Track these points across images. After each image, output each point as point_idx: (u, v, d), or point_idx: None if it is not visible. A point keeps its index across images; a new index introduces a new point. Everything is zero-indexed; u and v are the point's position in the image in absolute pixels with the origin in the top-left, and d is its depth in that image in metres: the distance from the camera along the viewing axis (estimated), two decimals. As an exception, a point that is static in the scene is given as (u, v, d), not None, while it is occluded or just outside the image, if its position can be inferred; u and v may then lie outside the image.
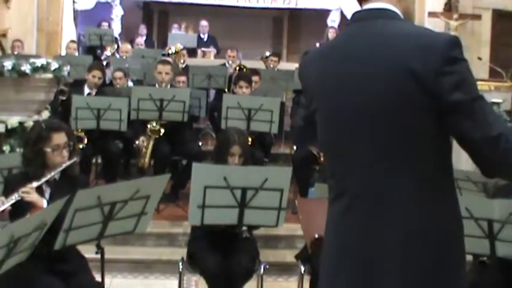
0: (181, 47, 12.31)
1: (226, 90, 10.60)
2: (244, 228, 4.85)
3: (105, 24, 15.43)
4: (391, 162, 2.36)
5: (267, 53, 13.04)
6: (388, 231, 2.35)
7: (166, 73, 8.54)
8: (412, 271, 2.35)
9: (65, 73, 7.69)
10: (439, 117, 2.30)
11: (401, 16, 2.49)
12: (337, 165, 2.53)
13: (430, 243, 2.36)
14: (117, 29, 16.30)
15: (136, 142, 8.17)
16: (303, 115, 2.52)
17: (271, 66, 12.27)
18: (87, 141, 7.96)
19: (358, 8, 2.55)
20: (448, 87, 2.25)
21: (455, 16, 12.58)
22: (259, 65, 12.49)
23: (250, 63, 12.45)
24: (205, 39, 15.65)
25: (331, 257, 2.53)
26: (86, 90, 8.74)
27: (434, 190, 2.38)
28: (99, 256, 4.46)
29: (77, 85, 9.41)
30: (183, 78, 9.39)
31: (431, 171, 2.37)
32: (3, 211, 4.24)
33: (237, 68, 11.64)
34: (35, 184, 4.37)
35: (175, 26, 17.48)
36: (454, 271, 2.42)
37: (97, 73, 8.75)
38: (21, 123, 7.15)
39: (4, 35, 11.64)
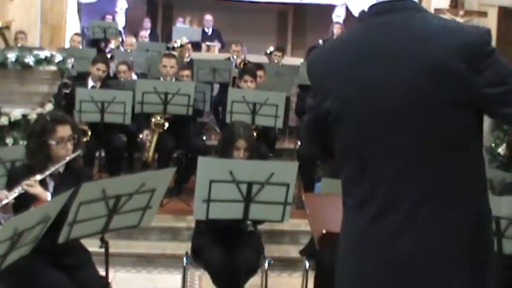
0: (187, 40, 12.27)
1: (231, 84, 10.57)
2: (248, 222, 4.80)
3: (109, 17, 15.41)
4: (432, 165, 2.28)
5: (271, 48, 12.97)
6: (442, 233, 2.29)
7: (171, 66, 8.52)
8: (472, 270, 2.30)
9: (69, 65, 7.65)
10: (477, 114, 2.26)
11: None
12: (364, 171, 2.38)
13: (480, 242, 2.33)
14: (121, 22, 16.25)
15: (140, 136, 8.14)
16: (310, 116, 2.32)
17: (276, 61, 12.22)
18: (91, 134, 7.93)
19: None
20: (490, 82, 2.20)
21: (461, 13, 12.53)
22: (263, 59, 12.45)
23: (254, 58, 12.40)
24: (209, 33, 15.62)
25: (357, 265, 2.43)
26: (90, 83, 8.71)
27: (476, 188, 2.35)
28: (102, 250, 4.42)
29: (81, 78, 9.38)
30: (187, 73, 9.35)
31: (471, 171, 2.32)
32: (6, 204, 4.20)
33: (242, 63, 11.59)
34: (38, 177, 4.33)
35: (180, 19, 17.43)
36: (493, 270, 2.39)
37: (101, 66, 8.72)
38: (24, 116, 7.12)
39: (7, 27, 11.59)
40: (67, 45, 12.73)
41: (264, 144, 8.05)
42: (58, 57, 7.34)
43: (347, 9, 16.49)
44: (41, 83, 7.35)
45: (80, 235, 4.14)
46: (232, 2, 17.87)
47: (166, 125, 7.96)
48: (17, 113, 7.11)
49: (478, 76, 2.19)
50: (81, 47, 12.68)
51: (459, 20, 12.27)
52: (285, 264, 6.81)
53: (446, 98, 2.23)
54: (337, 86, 2.43)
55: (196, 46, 14.18)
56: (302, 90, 10.76)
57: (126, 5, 16.95)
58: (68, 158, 4.48)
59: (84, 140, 7.27)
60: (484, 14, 12.32)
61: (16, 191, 4.23)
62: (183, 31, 14.85)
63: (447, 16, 12.58)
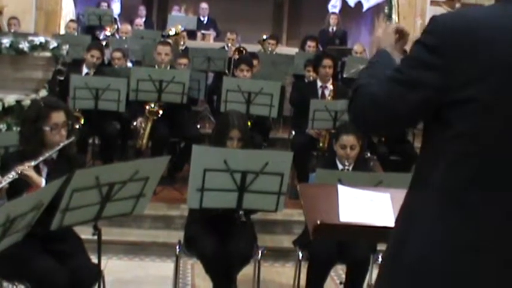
0: (182, 28, 12.24)
1: (226, 72, 10.56)
2: (241, 212, 4.79)
3: (104, 5, 15.34)
4: None
5: (264, 36, 12.94)
6: None
7: (166, 54, 8.48)
8: None
9: (64, 52, 7.61)
10: None
11: None
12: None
13: None
14: (116, 9, 16.19)
15: (134, 123, 8.10)
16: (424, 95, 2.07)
17: (269, 49, 12.21)
18: (85, 121, 7.90)
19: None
20: None
21: (457, 5, 12.53)
22: (258, 48, 12.43)
23: (249, 47, 12.38)
24: (205, 22, 15.58)
25: None
26: (84, 70, 8.70)
27: None
28: (95, 237, 4.40)
29: (75, 65, 9.36)
30: (184, 61, 9.34)
31: None
32: (0, 190, 4.18)
33: (237, 51, 11.57)
34: (32, 163, 4.31)
35: (176, 7, 17.39)
36: None
37: (96, 53, 8.70)
38: (18, 102, 7.08)
39: (0, 13, 11.54)
40: (62, 32, 12.69)
41: (258, 133, 8.03)
42: (53, 44, 7.31)
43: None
44: (35, 69, 7.32)
45: (72, 222, 4.12)
46: (228, -10, 17.83)
47: (161, 112, 7.92)
48: (10, 99, 7.07)
49: None
50: (76, 33, 12.64)
51: (455, 12, 12.25)
52: (278, 254, 6.79)
53: None
54: (494, 69, 2.01)
55: (191, 34, 14.14)
56: (297, 79, 10.77)
57: (121, -7, 16.90)
58: (61, 144, 4.47)
59: (77, 127, 7.25)
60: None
61: (10, 176, 4.21)
62: (179, 19, 14.81)
63: (443, 8, 12.57)
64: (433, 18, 2.10)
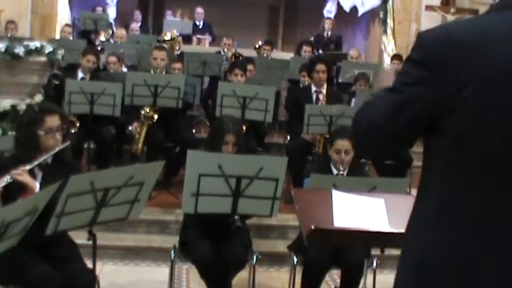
0: (177, 33, 12.25)
1: (222, 77, 10.56)
2: (236, 217, 4.80)
3: (99, 9, 15.35)
4: None
5: (260, 43, 12.96)
6: None
7: (162, 59, 8.48)
8: None
9: (59, 56, 7.63)
10: None
11: None
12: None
13: None
14: (112, 14, 16.18)
15: (130, 128, 8.10)
16: (416, 113, 2.10)
17: (265, 55, 12.22)
18: (80, 126, 7.89)
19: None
20: None
21: (452, 10, 12.57)
22: (254, 53, 12.45)
23: (245, 52, 12.40)
24: (200, 27, 15.59)
25: None
26: (80, 74, 8.68)
27: None
28: (90, 242, 4.40)
29: (71, 69, 9.35)
30: (178, 65, 9.34)
31: None
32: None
33: (233, 56, 11.58)
34: (27, 167, 4.30)
35: (169, 12, 17.41)
36: None
37: (91, 57, 8.69)
38: (13, 106, 7.09)
39: (-3, 17, 11.56)
40: (57, 36, 12.69)
41: (253, 138, 8.04)
42: (48, 48, 7.33)
43: (338, 4, 16.48)
44: (30, 73, 7.33)
45: (67, 227, 4.11)
46: (224, -5, 17.85)
47: (156, 117, 7.93)
48: (6, 104, 7.09)
49: None
50: (71, 38, 12.63)
51: (450, 17, 12.30)
52: (273, 259, 6.79)
53: None
54: (482, 75, 2.02)
55: (187, 39, 14.15)
56: (292, 84, 10.78)
57: (117, -3, 16.88)
58: (57, 149, 4.45)
59: (72, 131, 7.24)
60: (475, 12, 12.35)
61: (4, 180, 4.20)
62: (174, 24, 14.82)
63: (438, 13, 12.61)
64: (419, 34, 2.13)
